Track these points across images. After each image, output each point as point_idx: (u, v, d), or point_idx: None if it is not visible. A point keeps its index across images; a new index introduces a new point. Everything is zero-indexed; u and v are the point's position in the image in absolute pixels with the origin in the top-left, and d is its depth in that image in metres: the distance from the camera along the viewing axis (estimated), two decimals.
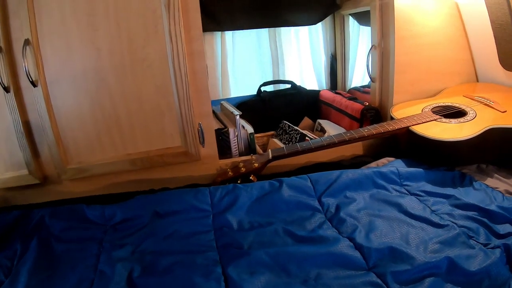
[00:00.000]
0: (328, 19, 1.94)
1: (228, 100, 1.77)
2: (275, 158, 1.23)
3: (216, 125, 1.38)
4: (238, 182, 1.18)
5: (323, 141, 1.23)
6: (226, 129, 1.37)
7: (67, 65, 1.09)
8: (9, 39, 1.04)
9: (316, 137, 1.47)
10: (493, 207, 0.93)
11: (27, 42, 1.03)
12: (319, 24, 1.92)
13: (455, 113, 1.29)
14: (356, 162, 1.31)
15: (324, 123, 1.74)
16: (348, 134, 1.24)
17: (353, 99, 1.65)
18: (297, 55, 2.00)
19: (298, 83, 1.94)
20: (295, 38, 1.96)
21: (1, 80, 1.04)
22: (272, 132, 1.76)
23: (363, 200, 1.03)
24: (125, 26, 1.08)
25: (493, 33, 1.35)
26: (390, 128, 1.23)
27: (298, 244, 0.87)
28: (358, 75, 1.97)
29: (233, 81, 1.90)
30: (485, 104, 1.30)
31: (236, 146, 1.39)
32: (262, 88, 1.88)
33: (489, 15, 1.33)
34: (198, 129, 1.21)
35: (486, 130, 1.14)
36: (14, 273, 0.82)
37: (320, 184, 1.08)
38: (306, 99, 1.92)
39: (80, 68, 1.09)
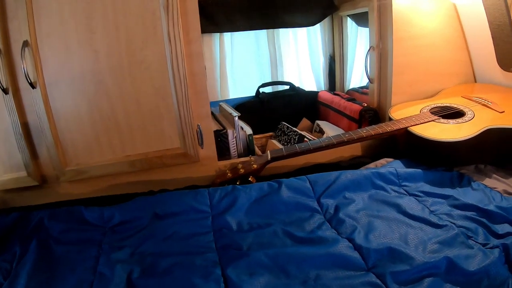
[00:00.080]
0: (326, 21, 1.94)
1: (227, 101, 1.77)
2: (274, 159, 1.23)
3: (215, 126, 1.38)
4: (237, 183, 1.18)
5: (322, 142, 1.23)
6: (225, 131, 1.37)
7: (65, 67, 1.08)
8: (7, 40, 1.04)
9: (315, 138, 1.47)
10: (491, 207, 0.93)
11: (25, 44, 1.03)
12: (318, 25, 1.92)
13: (454, 114, 1.30)
14: (354, 163, 1.31)
15: (323, 124, 1.74)
16: (347, 135, 1.24)
17: (352, 100, 1.65)
18: (295, 57, 2.00)
19: (296, 84, 1.95)
20: (294, 39, 1.96)
21: (0, 82, 1.04)
22: (270, 133, 1.76)
23: (362, 201, 1.03)
24: (123, 28, 1.08)
25: (491, 34, 1.35)
26: (389, 129, 1.24)
27: (297, 245, 0.87)
28: (357, 76, 1.97)
29: (232, 82, 1.90)
30: (483, 105, 1.30)
31: (235, 147, 1.39)
32: (261, 90, 1.88)
33: (487, 16, 1.34)
34: (197, 131, 1.21)
35: (484, 131, 1.15)
36: (14, 275, 0.82)
37: (319, 185, 1.08)
38: (304, 100, 1.92)
39: (79, 70, 1.09)
